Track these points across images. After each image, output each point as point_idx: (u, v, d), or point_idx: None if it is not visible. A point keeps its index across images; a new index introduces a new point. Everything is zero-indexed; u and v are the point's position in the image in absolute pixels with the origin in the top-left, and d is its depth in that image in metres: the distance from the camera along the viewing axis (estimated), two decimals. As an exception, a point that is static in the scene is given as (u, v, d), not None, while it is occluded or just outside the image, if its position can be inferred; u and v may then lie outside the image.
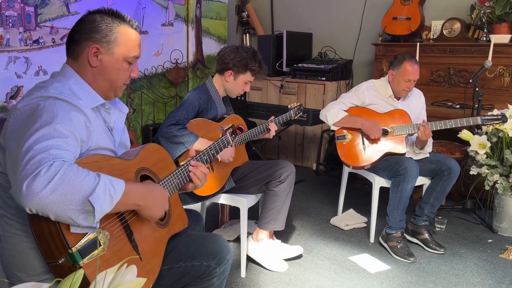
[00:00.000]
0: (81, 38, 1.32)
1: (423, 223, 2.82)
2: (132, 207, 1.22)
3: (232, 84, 2.43)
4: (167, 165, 1.53)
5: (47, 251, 1.09)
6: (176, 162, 2.17)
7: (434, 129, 2.72)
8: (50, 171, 1.03)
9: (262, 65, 2.43)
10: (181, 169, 1.52)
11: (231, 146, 1.97)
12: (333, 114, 2.81)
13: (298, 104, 2.68)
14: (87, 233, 1.10)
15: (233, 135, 1.92)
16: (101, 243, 1.14)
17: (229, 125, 1.90)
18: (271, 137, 2.57)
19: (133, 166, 1.35)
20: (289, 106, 2.69)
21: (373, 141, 2.79)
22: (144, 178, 1.40)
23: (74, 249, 1.07)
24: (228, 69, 2.39)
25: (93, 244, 1.11)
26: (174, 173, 1.50)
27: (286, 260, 2.56)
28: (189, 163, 1.53)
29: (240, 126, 2.50)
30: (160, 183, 1.43)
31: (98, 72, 1.33)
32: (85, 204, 1.05)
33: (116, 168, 1.26)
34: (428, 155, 2.88)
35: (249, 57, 2.38)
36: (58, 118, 1.14)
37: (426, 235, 2.80)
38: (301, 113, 2.69)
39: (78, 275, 0.84)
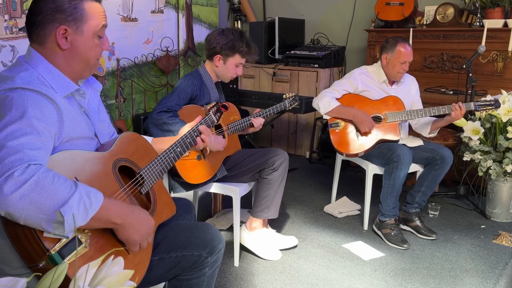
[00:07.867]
0: (45, 20, 1.20)
1: (414, 211, 2.82)
2: (108, 225, 1.15)
3: (223, 68, 2.38)
4: (146, 152, 1.47)
5: (25, 255, 1.03)
6: None
7: (428, 115, 2.71)
8: (24, 175, 0.98)
9: (250, 46, 2.36)
10: (163, 155, 1.49)
11: (218, 124, 1.91)
12: (325, 104, 2.77)
13: (293, 94, 2.64)
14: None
15: (218, 114, 1.82)
16: (82, 241, 1.08)
17: (212, 104, 1.81)
18: (258, 129, 2.53)
19: (110, 158, 1.29)
20: (284, 96, 2.65)
21: None
22: (123, 168, 1.34)
23: (53, 251, 1.02)
24: (216, 53, 2.34)
25: (74, 244, 1.05)
26: (156, 160, 1.46)
27: (280, 249, 2.54)
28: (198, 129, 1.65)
29: (225, 104, 2.45)
30: (142, 171, 1.39)
31: (70, 55, 1.25)
32: (56, 214, 0.99)
33: (90, 163, 1.20)
34: (422, 143, 2.87)
35: (236, 38, 2.32)
36: (29, 111, 1.08)
37: (418, 222, 2.80)
38: (296, 103, 2.65)
39: (61, 269, 0.81)
